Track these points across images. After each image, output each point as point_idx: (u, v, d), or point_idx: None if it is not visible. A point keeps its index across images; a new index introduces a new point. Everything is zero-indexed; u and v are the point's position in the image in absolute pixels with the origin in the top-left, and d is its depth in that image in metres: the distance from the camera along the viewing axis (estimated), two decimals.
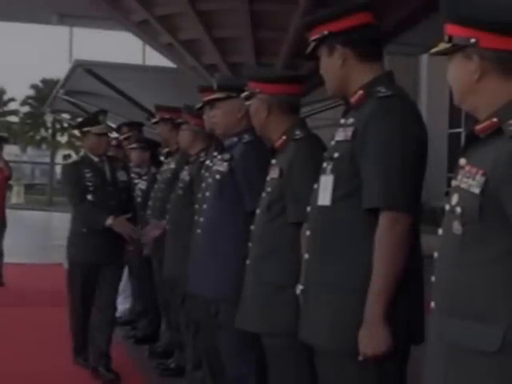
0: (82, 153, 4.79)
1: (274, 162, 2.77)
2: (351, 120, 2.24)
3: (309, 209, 2.37)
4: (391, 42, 7.66)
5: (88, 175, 4.53)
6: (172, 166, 4.73)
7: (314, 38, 2.43)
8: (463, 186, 1.63)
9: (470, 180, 1.62)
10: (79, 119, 4.99)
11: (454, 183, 1.69)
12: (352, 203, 2.21)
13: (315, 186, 2.33)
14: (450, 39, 1.71)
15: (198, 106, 4.07)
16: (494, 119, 1.61)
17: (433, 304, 1.73)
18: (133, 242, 4.68)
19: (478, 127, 1.63)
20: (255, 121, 2.93)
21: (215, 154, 3.76)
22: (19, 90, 39.27)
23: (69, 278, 4.65)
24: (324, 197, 2.29)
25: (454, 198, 1.65)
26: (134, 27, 9.40)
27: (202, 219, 3.60)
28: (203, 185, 3.80)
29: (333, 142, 2.32)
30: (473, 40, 1.65)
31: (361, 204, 2.12)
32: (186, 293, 3.99)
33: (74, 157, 4.92)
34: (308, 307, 2.29)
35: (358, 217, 2.19)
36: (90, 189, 4.52)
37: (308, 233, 2.31)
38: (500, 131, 1.57)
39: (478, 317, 1.58)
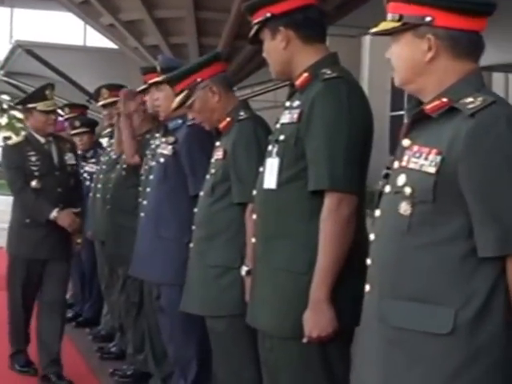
0: (25, 132, 4.33)
1: (218, 144, 2.78)
2: (297, 102, 2.24)
3: (255, 192, 2.36)
4: (333, 24, 7.76)
5: (33, 158, 4.13)
6: None
7: (256, 20, 2.42)
8: (412, 166, 1.61)
9: (421, 160, 1.60)
10: (24, 96, 4.59)
11: (396, 164, 1.67)
12: (298, 186, 2.20)
13: (261, 169, 2.31)
14: (400, 18, 1.66)
15: (142, 87, 4.07)
16: (444, 99, 1.59)
17: (368, 287, 1.72)
18: (79, 234, 4.32)
19: (428, 107, 1.61)
20: (206, 112, 2.90)
21: (158, 135, 3.73)
22: None
23: (9, 273, 4.23)
24: (270, 180, 2.28)
25: (401, 179, 1.63)
26: (75, 8, 9.35)
27: (145, 202, 3.57)
28: (146, 167, 3.77)
29: (278, 125, 2.31)
30: (428, 18, 1.62)
31: (307, 186, 2.12)
32: (127, 275, 3.96)
33: (17, 137, 4.48)
34: (255, 291, 2.29)
35: (305, 199, 2.19)
36: (35, 174, 4.10)
37: (255, 217, 2.31)
38: (453, 110, 1.56)
39: (428, 299, 1.56)
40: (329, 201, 2.11)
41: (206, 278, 2.76)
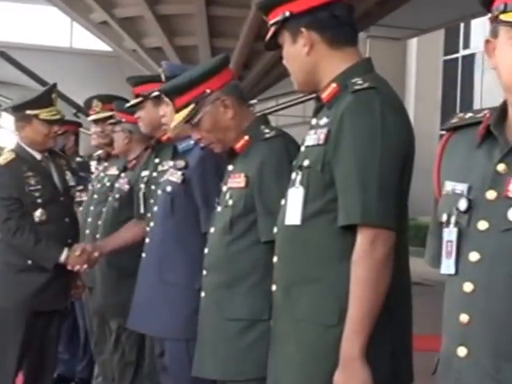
0: (16, 147, 4.19)
1: (231, 168, 2.83)
2: (324, 120, 2.29)
3: (275, 230, 2.41)
4: (373, 25, 8.11)
5: (32, 181, 4.03)
6: (113, 171, 4.68)
7: (273, 21, 2.49)
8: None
9: None
10: (20, 99, 4.32)
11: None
12: (326, 220, 2.25)
13: (282, 201, 2.37)
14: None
15: (133, 102, 4.13)
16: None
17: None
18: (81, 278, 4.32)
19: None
20: (219, 130, 2.94)
21: (157, 161, 3.90)
22: None
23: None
24: (293, 214, 2.33)
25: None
26: (60, 1, 9.78)
27: (147, 240, 3.66)
28: (152, 202, 3.88)
29: (302, 148, 2.36)
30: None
31: (336, 221, 2.17)
32: (122, 329, 4.11)
33: (6, 154, 4.23)
34: (276, 347, 2.35)
35: (335, 237, 2.24)
36: (38, 201, 4.02)
37: (275, 259, 2.36)
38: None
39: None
40: (361, 238, 2.17)
41: (226, 335, 2.82)
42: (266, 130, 2.87)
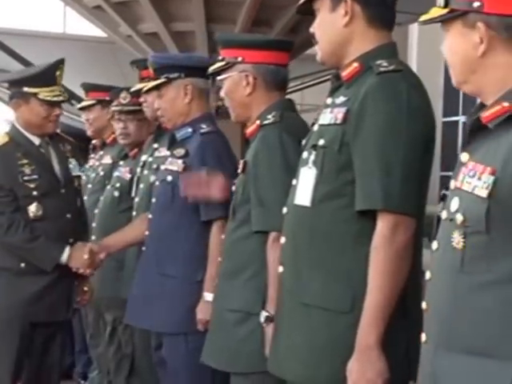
0: (11, 129, 3.90)
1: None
2: (342, 99, 2.31)
3: (285, 210, 2.44)
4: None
5: (27, 170, 3.72)
6: (108, 161, 4.74)
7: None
8: (465, 187, 1.69)
9: (474, 180, 1.67)
10: (19, 74, 4.08)
11: (452, 184, 1.75)
12: (340, 203, 2.28)
13: (294, 181, 2.40)
14: (447, 3, 1.77)
15: (136, 87, 4.24)
16: (505, 103, 1.66)
17: (424, 336, 1.85)
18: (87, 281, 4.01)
19: (485, 114, 1.69)
20: (232, 100, 3.05)
21: (156, 146, 4.00)
22: None
23: None
24: (303, 195, 2.36)
25: (454, 203, 1.71)
26: None
27: (147, 233, 3.71)
28: (141, 186, 4.02)
29: (316, 127, 2.39)
30: (476, 4, 1.71)
31: (352, 205, 2.18)
32: (118, 321, 4.19)
33: None
34: (281, 334, 2.40)
35: (349, 221, 2.28)
36: (34, 194, 3.70)
37: (283, 239, 2.39)
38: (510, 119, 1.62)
39: (488, 352, 1.67)
40: (383, 224, 2.20)
41: (223, 324, 2.95)
42: (268, 116, 2.91)
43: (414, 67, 15.73)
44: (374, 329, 2.22)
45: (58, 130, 4.11)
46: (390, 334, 2.23)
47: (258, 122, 2.90)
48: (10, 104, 3.93)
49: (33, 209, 3.66)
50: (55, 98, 3.77)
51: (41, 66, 3.94)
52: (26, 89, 3.71)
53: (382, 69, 2.31)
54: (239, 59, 3.03)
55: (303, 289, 2.34)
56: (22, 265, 3.67)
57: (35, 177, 3.68)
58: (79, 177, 4.04)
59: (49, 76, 3.79)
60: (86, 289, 3.96)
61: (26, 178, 3.67)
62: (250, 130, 2.88)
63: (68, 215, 3.77)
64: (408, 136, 2.24)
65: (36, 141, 3.76)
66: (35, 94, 3.70)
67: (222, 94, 3.01)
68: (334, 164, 2.31)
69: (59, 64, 3.87)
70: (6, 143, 3.73)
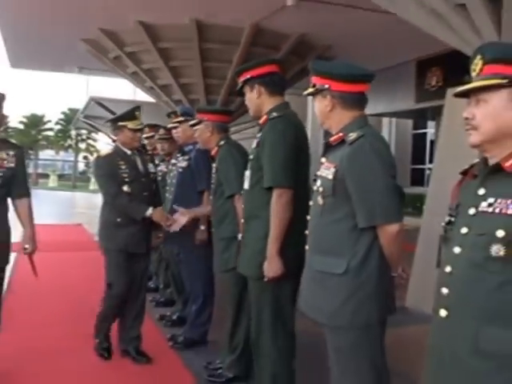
0: (113, 146, 4.89)
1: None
2: (259, 134, 3.44)
3: (242, 192, 3.52)
4: (290, 87, 11.17)
5: (122, 167, 4.69)
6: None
7: (241, 80, 3.55)
8: (323, 174, 2.69)
9: (326, 171, 2.68)
10: (116, 114, 5.01)
11: (318, 173, 2.73)
12: (261, 185, 3.45)
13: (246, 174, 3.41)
14: (314, 85, 2.76)
15: (170, 125, 5.79)
16: (341, 134, 2.67)
17: (307, 246, 2.83)
18: (160, 230, 5.03)
19: (331, 139, 2.70)
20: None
21: (178, 155, 5.60)
22: (54, 115, 76.49)
23: (108, 266, 4.80)
24: (246, 183, 3.57)
25: (318, 183, 2.70)
26: (128, 76, 13.92)
27: (170, 196, 5.58)
28: (171, 175, 5.63)
29: (251, 148, 3.48)
30: (327, 85, 2.71)
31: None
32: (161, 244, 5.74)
33: (106, 150, 4.98)
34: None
35: (266, 195, 3.41)
36: (126, 180, 4.69)
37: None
38: (343, 141, 2.64)
39: (332, 253, 2.66)
40: (273, 194, 3.32)
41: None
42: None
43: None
44: (273, 246, 3.34)
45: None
46: (281, 248, 3.34)
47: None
48: (112, 132, 4.93)
49: (125, 188, 4.71)
50: (137, 127, 4.76)
51: (128, 110, 4.88)
52: (120, 123, 4.77)
53: (272, 116, 3.43)
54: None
55: (251, 228, 3.46)
56: (118, 219, 4.77)
57: (127, 171, 4.73)
58: (155, 173, 5.08)
59: (132, 115, 4.77)
60: (160, 235, 5.11)
61: (121, 171, 4.72)
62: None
63: (145, 193, 4.86)
64: (284, 147, 3.39)
65: (128, 152, 4.82)
66: (125, 126, 4.74)
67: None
68: (255, 167, 3.54)
69: (137, 108, 4.86)
70: (110, 153, 4.79)
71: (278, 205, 3.32)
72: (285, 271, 3.37)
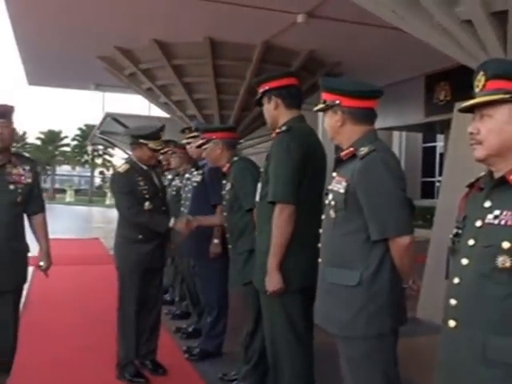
0: (129, 161, 4.80)
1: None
2: (270, 148, 3.48)
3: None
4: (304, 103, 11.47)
5: (141, 183, 4.64)
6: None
7: (260, 91, 3.57)
8: (335, 188, 2.72)
9: (338, 185, 2.71)
10: (138, 131, 4.84)
11: (329, 187, 2.75)
12: (266, 199, 3.48)
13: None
14: (325, 101, 2.82)
15: (184, 141, 5.98)
16: (351, 148, 2.71)
17: (320, 259, 2.84)
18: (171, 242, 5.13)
19: (342, 154, 2.73)
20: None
21: (193, 170, 5.80)
22: (70, 131, 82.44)
23: (122, 286, 4.74)
24: (257, 196, 3.64)
25: (330, 196, 2.73)
26: (143, 92, 14.39)
27: (185, 210, 5.66)
28: (186, 189, 5.79)
29: (263, 162, 3.50)
30: (337, 101, 2.77)
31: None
32: (174, 256, 6.28)
33: (123, 166, 4.83)
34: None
35: (270, 209, 3.43)
36: (146, 196, 4.66)
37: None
38: (354, 155, 2.67)
39: (345, 265, 2.68)
40: (275, 209, 3.33)
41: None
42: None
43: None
44: (273, 261, 3.37)
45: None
46: (282, 263, 3.37)
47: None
48: (129, 146, 4.85)
49: (147, 204, 4.67)
50: (158, 147, 4.73)
51: (153, 128, 4.79)
52: (141, 140, 4.68)
53: (282, 129, 3.46)
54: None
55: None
56: (140, 236, 4.71)
57: (146, 187, 4.70)
58: (165, 186, 5.18)
59: (156, 134, 4.71)
60: (172, 246, 5.22)
61: (140, 187, 4.67)
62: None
63: (163, 208, 4.91)
64: (288, 162, 3.39)
65: (144, 167, 4.76)
66: (146, 144, 4.68)
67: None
68: (264, 181, 3.58)
69: (162, 128, 4.78)
70: (129, 169, 4.71)
71: (279, 220, 3.36)
72: (284, 286, 3.42)
